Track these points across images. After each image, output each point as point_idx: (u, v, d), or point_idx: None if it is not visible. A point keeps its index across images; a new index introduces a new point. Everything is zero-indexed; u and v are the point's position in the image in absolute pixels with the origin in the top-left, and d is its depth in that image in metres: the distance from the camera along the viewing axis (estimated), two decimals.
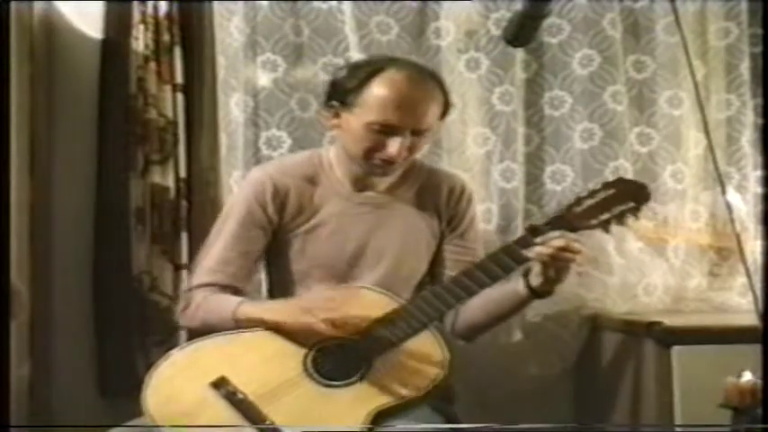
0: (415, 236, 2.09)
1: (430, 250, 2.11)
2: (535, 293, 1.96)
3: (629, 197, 1.92)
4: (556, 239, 1.87)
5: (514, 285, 1.97)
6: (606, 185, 1.94)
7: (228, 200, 2.39)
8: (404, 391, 1.82)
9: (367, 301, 1.89)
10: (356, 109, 1.97)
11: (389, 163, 1.98)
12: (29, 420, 2.37)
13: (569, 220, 1.90)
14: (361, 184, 2.07)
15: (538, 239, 1.88)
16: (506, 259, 1.88)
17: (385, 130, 1.94)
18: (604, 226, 1.91)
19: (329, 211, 2.06)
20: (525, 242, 1.89)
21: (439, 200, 2.11)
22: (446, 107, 2.04)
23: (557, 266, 1.89)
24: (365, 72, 1.98)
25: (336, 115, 2.02)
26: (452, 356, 1.86)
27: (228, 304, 1.97)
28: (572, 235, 1.90)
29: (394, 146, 1.94)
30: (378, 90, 1.95)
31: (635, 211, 1.92)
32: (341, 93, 2.00)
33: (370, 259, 2.05)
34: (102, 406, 2.48)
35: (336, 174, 2.08)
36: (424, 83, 1.99)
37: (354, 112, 1.97)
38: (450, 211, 2.12)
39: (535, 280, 1.93)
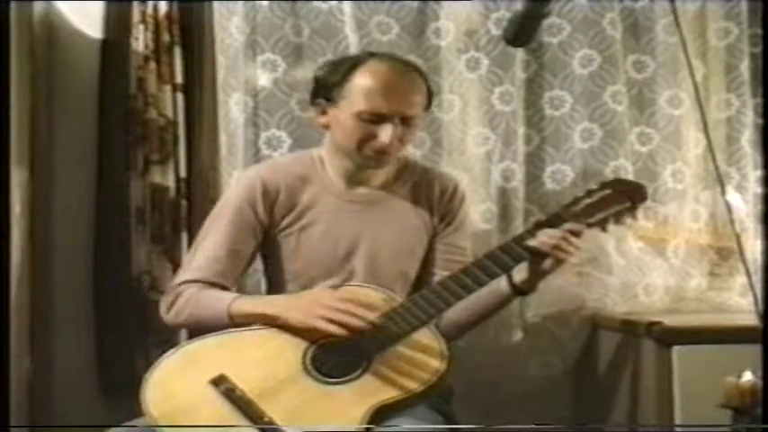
0: (409, 232, 2.09)
1: (422, 247, 2.10)
2: (517, 290, 1.96)
3: (625, 197, 1.96)
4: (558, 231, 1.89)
5: (497, 282, 1.95)
6: (603, 185, 1.98)
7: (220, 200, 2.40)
8: (407, 385, 1.80)
9: (368, 300, 1.89)
10: (342, 102, 1.98)
11: (383, 153, 1.98)
12: (29, 420, 2.37)
13: (566, 219, 1.92)
14: (354, 181, 2.07)
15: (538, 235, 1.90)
16: (504, 257, 1.89)
17: (374, 119, 1.95)
18: (602, 225, 1.94)
19: (322, 210, 2.06)
20: (523, 240, 1.90)
21: (432, 197, 2.11)
22: (429, 97, 2.06)
23: (555, 257, 1.88)
24: (346, 66, 2.01)
25: (323, 112, 2.03)
26: (450, 351, 1.85)
27: (222, 300, 1.95)
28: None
29: (385, 134, 1.95)
30: (362, 80, 1.97)
31: (632, 211, 1.96)
32: (325, 89, 2.01)
33: (364, 256, 2.04)
34: (103, 406, 2.48)
35: (328, 171, 2.08)
36: (407, 72, 2.02)
37: (341, 106, 1.98)
38: (443, 208, 2.12)
39: (518, 275, 1.94)
